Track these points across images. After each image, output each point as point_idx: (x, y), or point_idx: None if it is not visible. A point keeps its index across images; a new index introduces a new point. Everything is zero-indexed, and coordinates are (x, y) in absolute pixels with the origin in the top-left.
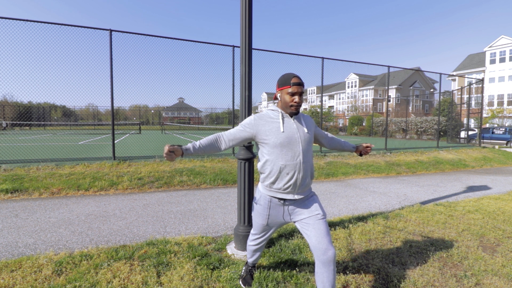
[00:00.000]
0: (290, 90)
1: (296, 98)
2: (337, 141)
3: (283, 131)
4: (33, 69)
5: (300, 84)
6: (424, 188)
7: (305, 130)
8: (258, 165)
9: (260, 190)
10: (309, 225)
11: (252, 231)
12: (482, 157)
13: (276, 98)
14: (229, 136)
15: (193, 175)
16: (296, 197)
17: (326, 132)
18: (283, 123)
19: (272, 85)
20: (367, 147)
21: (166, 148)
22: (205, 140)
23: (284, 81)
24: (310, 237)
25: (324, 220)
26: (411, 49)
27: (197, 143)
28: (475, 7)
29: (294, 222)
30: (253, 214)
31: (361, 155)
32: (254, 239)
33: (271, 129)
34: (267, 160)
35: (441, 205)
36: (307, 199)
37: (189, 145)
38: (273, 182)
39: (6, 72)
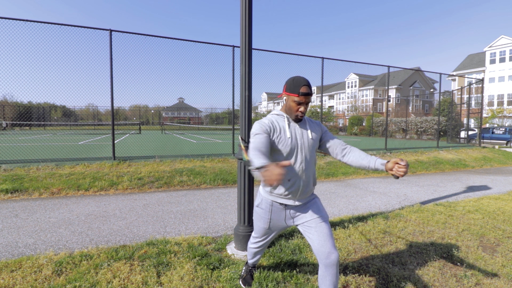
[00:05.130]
0: (297, 99)
1: (302, 108)
2: (357, 156)
3: (289, 137)
4: (33, 69)
5: (309, 94)
6: (424, 188)
7: (309, 136)
8: None
9: (262, 194)
10: (312, 228)
11: (253, 234)
12: (482, 157)
13: (281, 97)
14: (260, 146)
15: (193, 175)
16: (297, 203)
17: (342, 143)
18: (288, 128)
19: (272, 85)
20: (397, 163)
21: (280, 171)
22: (259, 153)
23: (293, 87)
24: (313, 240)
25: (327, 222)
26: (411, 49)
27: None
28: (475, 7)
29: (297, 225)
30: (254, 217)
31: (396, 177)
32: (255, 242)
33: (279, 134)
34: None
35: (441, 205)
36: (308, 202)
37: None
38: (274, 187)
39: (6, 72)
